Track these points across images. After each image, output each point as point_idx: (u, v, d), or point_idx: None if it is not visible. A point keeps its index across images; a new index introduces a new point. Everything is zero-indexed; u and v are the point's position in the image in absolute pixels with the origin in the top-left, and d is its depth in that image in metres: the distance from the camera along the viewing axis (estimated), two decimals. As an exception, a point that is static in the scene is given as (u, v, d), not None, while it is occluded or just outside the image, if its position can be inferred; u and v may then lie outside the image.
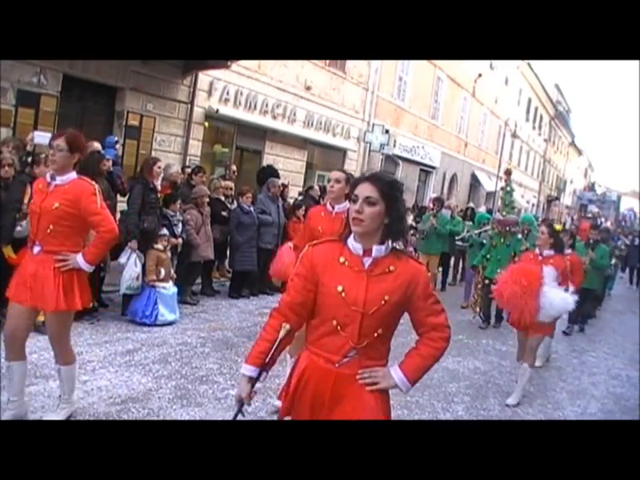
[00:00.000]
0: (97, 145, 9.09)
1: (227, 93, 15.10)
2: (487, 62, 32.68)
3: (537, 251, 7.13)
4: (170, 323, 8.11)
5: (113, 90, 12.44)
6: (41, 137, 8.07)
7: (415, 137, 25.72)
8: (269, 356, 2.82)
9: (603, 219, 52.78)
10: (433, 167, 28.35)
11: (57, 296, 4.45)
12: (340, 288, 2.78)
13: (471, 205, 18.53)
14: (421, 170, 27.47)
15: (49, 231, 4.47)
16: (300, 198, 13.12)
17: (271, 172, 12.24)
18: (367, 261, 2.80)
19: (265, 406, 5.72)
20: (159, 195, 8.59)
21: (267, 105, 16.51)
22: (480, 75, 31.71)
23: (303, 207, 11.05)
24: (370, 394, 2.89)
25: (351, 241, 2.84)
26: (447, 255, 14.54)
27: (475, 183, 33.96)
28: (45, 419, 4.80)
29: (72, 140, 4.53)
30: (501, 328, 10.75)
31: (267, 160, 16.19)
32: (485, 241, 12.02)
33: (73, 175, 4.59)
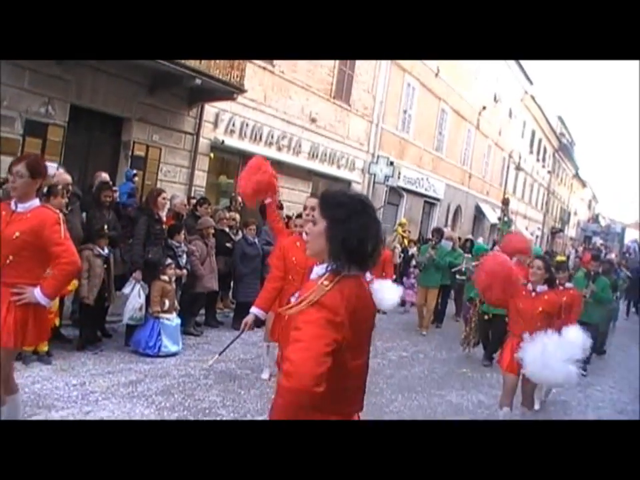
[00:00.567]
0: (104, 176, 9.16)
1: (233, 125, 15.21)
2: (491, 94, 32.93)
3: (530, 286, 6.52)
4: (173, 354, 8.09)
5: (119, 120, 12.55)
6: (48, 167, 8.13)
7: (419, 169, 25.82)
8: None
9: (607, 251, 52.77)
10: (437, 199, 28.40)
11: (7, 332, 4.10)
12: None
13: (470, 236, 18.22)
14: (425, 202, 27.52)
15: (8, 261, 4.16)
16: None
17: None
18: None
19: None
20: (164, 226, 8.62)
21: (272, 137, 16.62)
22: (484, 108, 31.92)
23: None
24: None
25: None
26: (448, 287, 14.18)
27: (479, 214, 33.98)
28: None
29: (33, 165, 4.28)
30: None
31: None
32: None
33: (36, 202, 4.33)
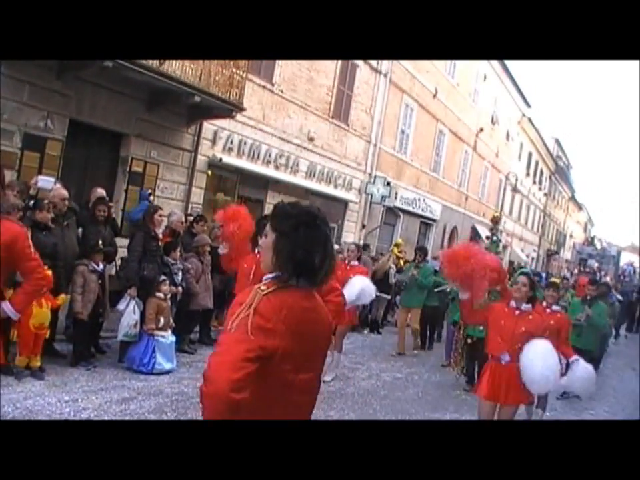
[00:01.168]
0: (100, 191, 9.16)
1: (231, 142, 15.24)
2: (488, 116, 33.09)
3: (513, 304, 6.04)
4: (167, 372, 8.06)
5: (118, 136, 12.55)
6: (45, 182, 8.12)
7: (416, 190, 25.88)
8: None
9: (602, 274, 52.86)
10: (434, 220, 28.45)
11: None
12: None
13: None
14: (422, 222, 27.56)
15: None
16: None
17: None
18: None
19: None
20: (160, 243, 8.61)
21: (270, 155, 16.65)
22: (481, 130, 32.08)
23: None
24: None
25: None
26: (437, 309, 13.40)
27: (475, 236, 34.01)
28: None
29: None
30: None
31: (269, 209, 16.21)
32: None
33: None
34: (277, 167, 17.01)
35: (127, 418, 6.23)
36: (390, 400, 8.63)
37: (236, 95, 13.07)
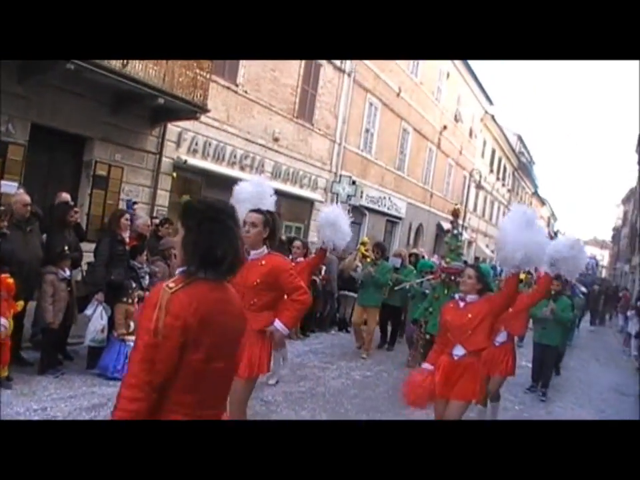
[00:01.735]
0: (65, 196, 9.06)
1: (196, 144, 15.17)
2: (452, 114, 33.35)
3: (457, 296, 5.90)
4: (137, 376, 7.98)
5: (81, 139, 12.41)
6: (8, 187, 8.02)
7: (381, 188, 26.00)
8: None
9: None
10: (399, 218, 28.61)
11: None
12: None
13: (415, 250, 16.59)
14: (388, 220, 27.71)
15: None
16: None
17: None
18: None
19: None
20: (126, 247, 8.54)
21: (235, 156, 16.61)
22: (445, 127, 32.32)
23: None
24: None
25: None
26: (398, 309, 13.00)
27: (440, 232, 34.29)
28: None
29: None
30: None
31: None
32: (427, 292, 10.95)
33: None
34: (242, 168, 16.95)
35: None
36: (360, 399, 8.65)
37: (200, 96, 13.01)
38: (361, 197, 23.20)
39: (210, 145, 15.63)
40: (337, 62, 20.85)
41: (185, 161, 14.61)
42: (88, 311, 7.93)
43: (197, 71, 12.82)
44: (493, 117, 41.53)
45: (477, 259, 37.59)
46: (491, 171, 45.20)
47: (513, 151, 50.80)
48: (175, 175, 14.78)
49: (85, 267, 9.17)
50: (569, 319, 11.21)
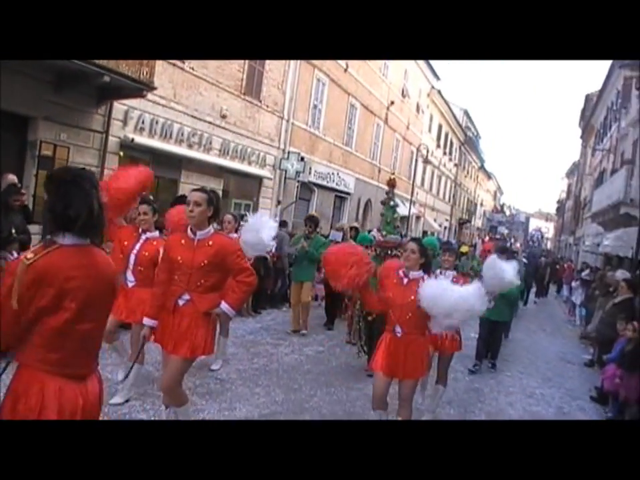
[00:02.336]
0: (11, 177, 8.91)
1: (142, 122, 15.00)
2: (399, 90, 33.49)
3: (401, 273, 5.71)
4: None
5: (25, 119, 12.16)
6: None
7: (329, 164, 26.06)
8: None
9: (512, 240, 54.54)
10: (348, 193, 28.74)
11: None
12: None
13: (356, 224, 16.19)
14: (336, 196, 27.81)
15: None
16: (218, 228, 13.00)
17: (185, 201, 12.08)
18: None
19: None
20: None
21: (182, 134, 16.47)
22: (392, 103, 32.45)
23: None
24: None
25: None
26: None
27: (389, 207, 34.53)
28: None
29: None
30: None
31: (183, 189, 16.07)
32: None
33: None
34: (190, 146, 16.85)
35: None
36: (314, 374, 8.75)
37: (146, 73, 12.84)
38: (310, 173, 23.23)
39: (157, 122, 15.46)
40: (284, 38, 20.69)
41: (132, 140, 14.44)
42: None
43: (143, 48, 12.64)
44: (439, 91, 41.85)
45: (425, 233, 38.01)
46: (438, 145, 45.63)
47: (460, 125, 51.30)
48: (122, 154, 14.60)
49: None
50: (516, 293, 11.14)
